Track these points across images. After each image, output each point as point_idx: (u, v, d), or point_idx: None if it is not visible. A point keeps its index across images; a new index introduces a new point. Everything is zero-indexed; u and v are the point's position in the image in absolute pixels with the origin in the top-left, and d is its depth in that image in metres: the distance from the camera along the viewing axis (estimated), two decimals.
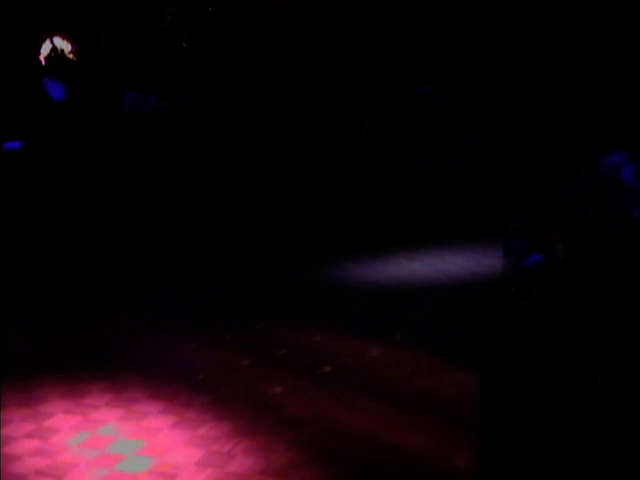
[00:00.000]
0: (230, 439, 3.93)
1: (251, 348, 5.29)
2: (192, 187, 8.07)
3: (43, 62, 9.37)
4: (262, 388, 4.62)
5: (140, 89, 8.56)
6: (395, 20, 9.03)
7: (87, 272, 7.04)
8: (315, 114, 9.24)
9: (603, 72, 6.75)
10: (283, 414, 4.23)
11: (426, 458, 3.69)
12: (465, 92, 8.52)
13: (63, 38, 9.50)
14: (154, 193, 7.87)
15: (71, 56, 9.56)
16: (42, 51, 9.41)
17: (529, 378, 2.26)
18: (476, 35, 8.38)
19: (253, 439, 3.92)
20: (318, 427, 4.08)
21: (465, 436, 3.67)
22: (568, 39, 7.42)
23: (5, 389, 4.49)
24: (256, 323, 5.83)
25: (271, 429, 4.04)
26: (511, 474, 2.35)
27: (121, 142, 7.95)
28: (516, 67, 8.04)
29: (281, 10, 9.26)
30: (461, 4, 8.57)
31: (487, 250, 6.99)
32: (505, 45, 8.16)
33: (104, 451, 3.86)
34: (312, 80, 9.29)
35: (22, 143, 7.34)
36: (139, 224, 7.67)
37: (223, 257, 7.53)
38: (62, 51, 9.52)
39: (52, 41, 9.46)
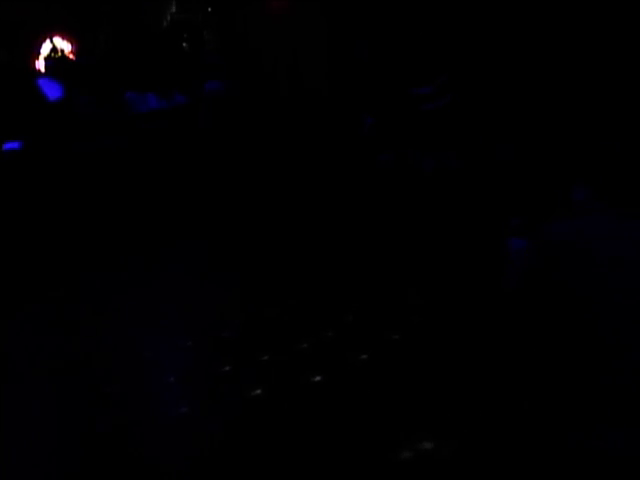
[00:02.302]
0: None
1: None
2: (191, 187, 8.05)
3: (43, 62, 9.38)
4: None
5: (139, 89, 8.55)
6: (396, 20, 9.01)
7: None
8: (317, 113, 9.22)
9: (604, 72, 6.72)
10: None
11: None
12: (466, 92, 8.49)
13: (63, 38, 9.51)
14: (153, 194, 7.86)
15: (71, 56, 9.56)
16: (42, 51, 9.42)
17: None
18: (477, 35, 8.35)
19: None
20: None
21: None
22: (568, 40, 7.40)
23: None
24: None
25: None
26: None
27: (120, 141, 7.94)
28: (517, 67, 8.02)
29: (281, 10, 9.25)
30: (462, 4, 8.54)
31: None
32: (506, 45, 8.13)
33: None
34: (313, 79, 9.28)
35: (21, 143, 7.33)
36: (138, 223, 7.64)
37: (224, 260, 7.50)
38: (62, 51, 9.53)
39: (52, 41, 9.47)
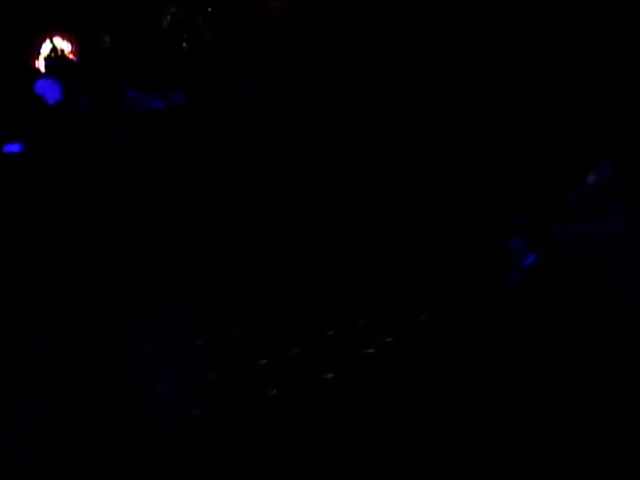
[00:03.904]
0: None
1: None
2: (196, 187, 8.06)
3: (43, 62, 9.39)
4: None
5: (141, 88, 8.56)
6: (400, 23, 9.02)
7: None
8: (317, 115, 9.24)
9: (602, 72, 6.73)
10: None
11: None
12: (466, 90, 8.51)
13: (63, 38, 9.53)
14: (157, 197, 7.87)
15: (71, 56, 9.57)
16: (42, 51, 9.43)
17: None
18: (477, 34, 8.36)
19: None
20: None
21: None
22: (567, 39, 7.41)
23: None
24: None
25: None
26: None
27: (121, 141, 7.95)
28: (517, 67, 8.03)
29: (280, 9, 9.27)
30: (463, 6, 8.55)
31: None
32: (506, 44, 8.14)
33: None
34: (313, 80, 9.29)
35: (22, 145, 7.33)
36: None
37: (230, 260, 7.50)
38: (62, 51, 9.54)
39: (52, 41, 9.49)
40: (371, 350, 5.18)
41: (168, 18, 9.55)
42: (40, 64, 9.43)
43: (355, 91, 9.24)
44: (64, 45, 9.53)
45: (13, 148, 7.37)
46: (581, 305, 1.90)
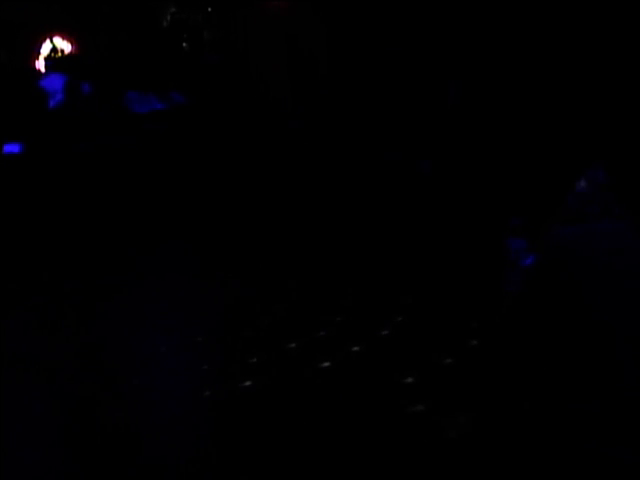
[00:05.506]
0: None
1: None
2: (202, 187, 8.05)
3: (43, 62, 9.39)
4: None
5: (141, 89, 8.55)
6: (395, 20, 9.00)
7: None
8: (315, 113, 9.22)
9: (600, 80, 6.74)
10: None
11: None
12: (470, 93, 8.50)
13: (63, 38, 9.52)
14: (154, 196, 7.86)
15: (72, 55, 9.56)
16: (42, 51, 9.43)
17: None
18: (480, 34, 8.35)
19: None
20: None
21: None
22: (564, 39, 7.40)
23: None
24: None
25: None
26: None
27: (121, 141, 7.94)
28: (518, 67, 8.02)
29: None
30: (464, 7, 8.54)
31: None
32: (509, 44, 8.14)
33: None
34: (311, 80, 9.28)
35: (21, 145, 7.33)
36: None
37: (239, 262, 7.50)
38: (62, 51, 9.53)
39: (52, 41, 9.48)
40: (366, 344, 5.17)
41: (168, 18, 9.54)
42: (40, 64, 9.43)
43: (354, 90, 9.23)
44: (64, 45, 9.53)
45: (13, 148, 7.36)
46: (579, 305, 1.90)
